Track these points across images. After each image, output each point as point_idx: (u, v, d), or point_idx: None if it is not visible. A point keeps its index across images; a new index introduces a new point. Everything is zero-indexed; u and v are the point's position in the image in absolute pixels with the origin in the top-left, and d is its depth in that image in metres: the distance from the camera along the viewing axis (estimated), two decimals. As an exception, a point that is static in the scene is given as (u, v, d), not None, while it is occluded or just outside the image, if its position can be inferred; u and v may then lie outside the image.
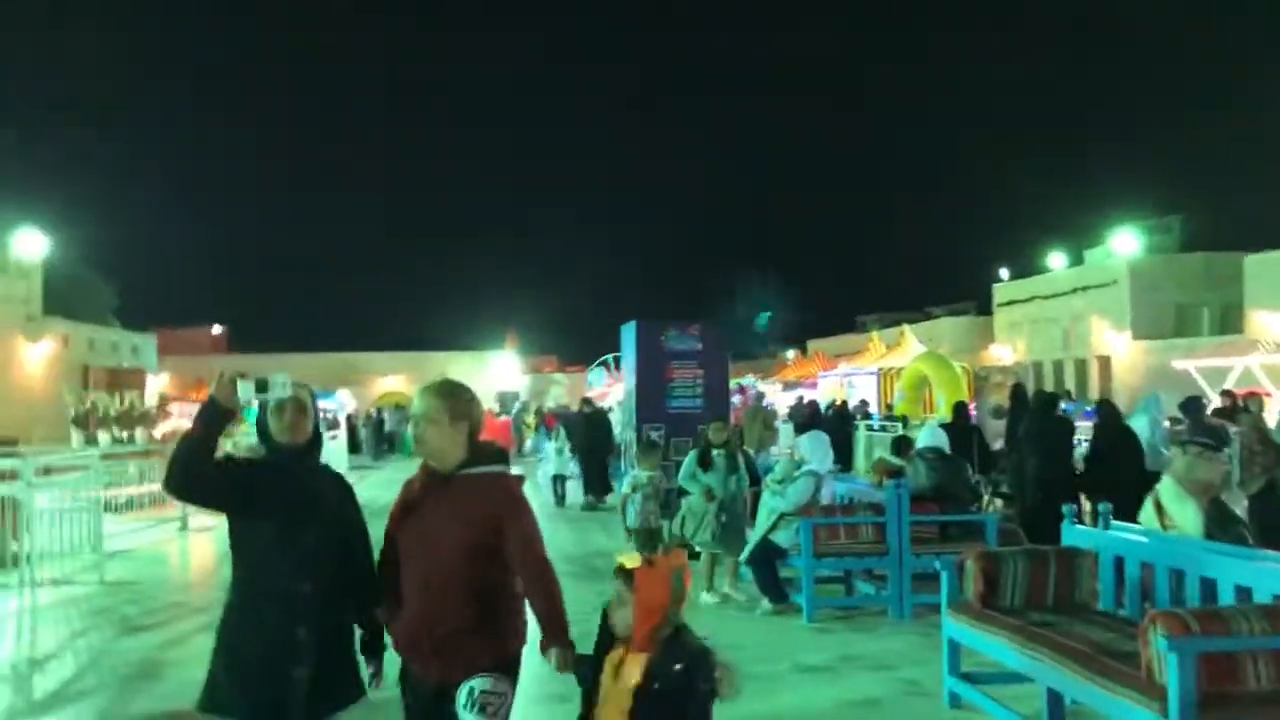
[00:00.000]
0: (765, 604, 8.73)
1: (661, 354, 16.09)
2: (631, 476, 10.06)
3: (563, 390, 52.41)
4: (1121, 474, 9.52)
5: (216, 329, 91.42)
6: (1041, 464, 9.96)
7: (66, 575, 10.53)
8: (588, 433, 18.63)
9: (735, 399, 22.98)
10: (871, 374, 37.19)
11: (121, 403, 21.80)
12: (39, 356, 35.31)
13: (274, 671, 3.63)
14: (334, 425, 33.76)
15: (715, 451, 9.51)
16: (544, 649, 3.48)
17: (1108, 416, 10.99)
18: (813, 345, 57.74)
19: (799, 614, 8.50)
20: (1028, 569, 5.81)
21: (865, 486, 9.56)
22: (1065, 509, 6.40)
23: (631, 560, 3.35)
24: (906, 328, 38.91)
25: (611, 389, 32.74)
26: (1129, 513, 6.03)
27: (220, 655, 3.74)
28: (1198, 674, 4.10)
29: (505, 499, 3.68)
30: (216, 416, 3.64)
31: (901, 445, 10.29)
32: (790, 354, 57.03)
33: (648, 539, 10.11)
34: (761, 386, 36.61)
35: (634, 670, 3.26)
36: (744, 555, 8.90)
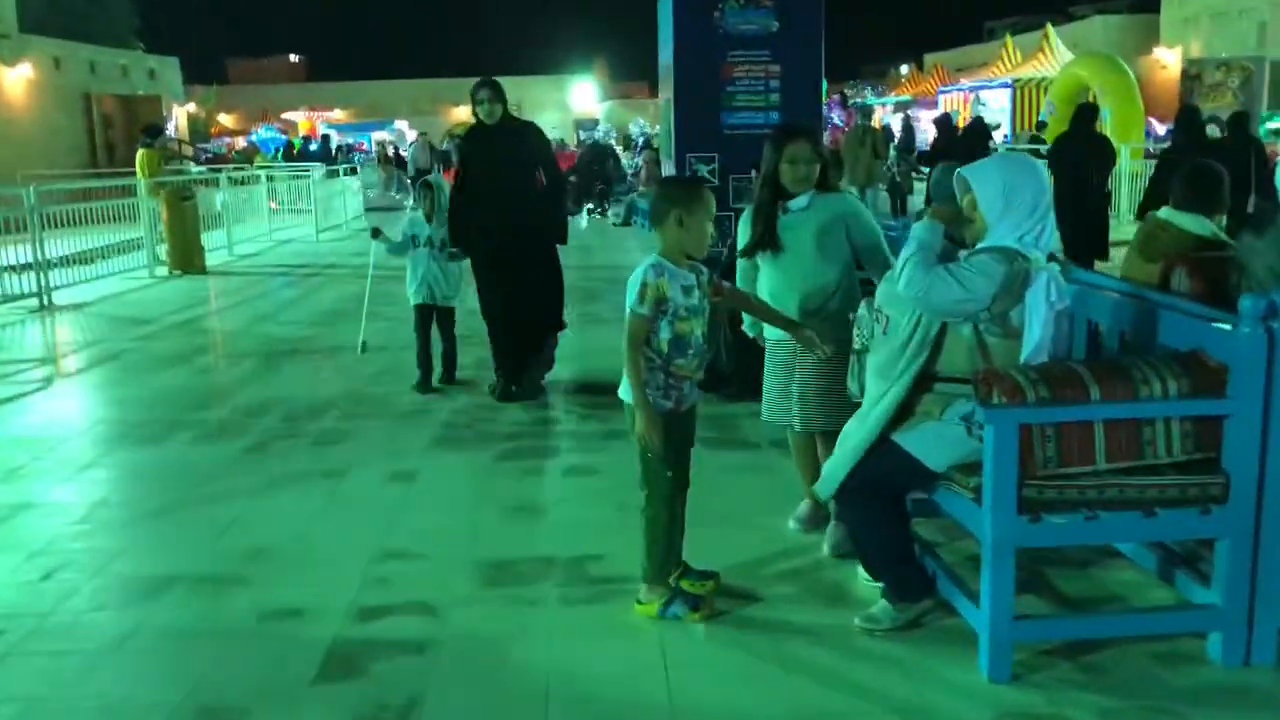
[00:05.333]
0: (878, 605, 3.46)
1: (714, 40, 10.12)
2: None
3: (646, 123, 46.65)
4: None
5: (294, 58, 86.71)
6: None
7: None
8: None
9: (835, 115, 16.81)
10: (1005, 87, 30.41)
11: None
12: (18, 81, 30.26)
13: None
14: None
15: (793, 209, 4.24)
16: None
17: None
18: (929, 59, 49.82)
19: (965, 643, 3.23)
20: None
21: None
22: None
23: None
24: (1051, 28, 31.46)
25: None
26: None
27: None
28: None
29: None
30: None
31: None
32: (904, 69, 49.39)
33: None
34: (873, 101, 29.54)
35: None
36: (824, 484, 3.52)
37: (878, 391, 3.36)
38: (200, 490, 5.12)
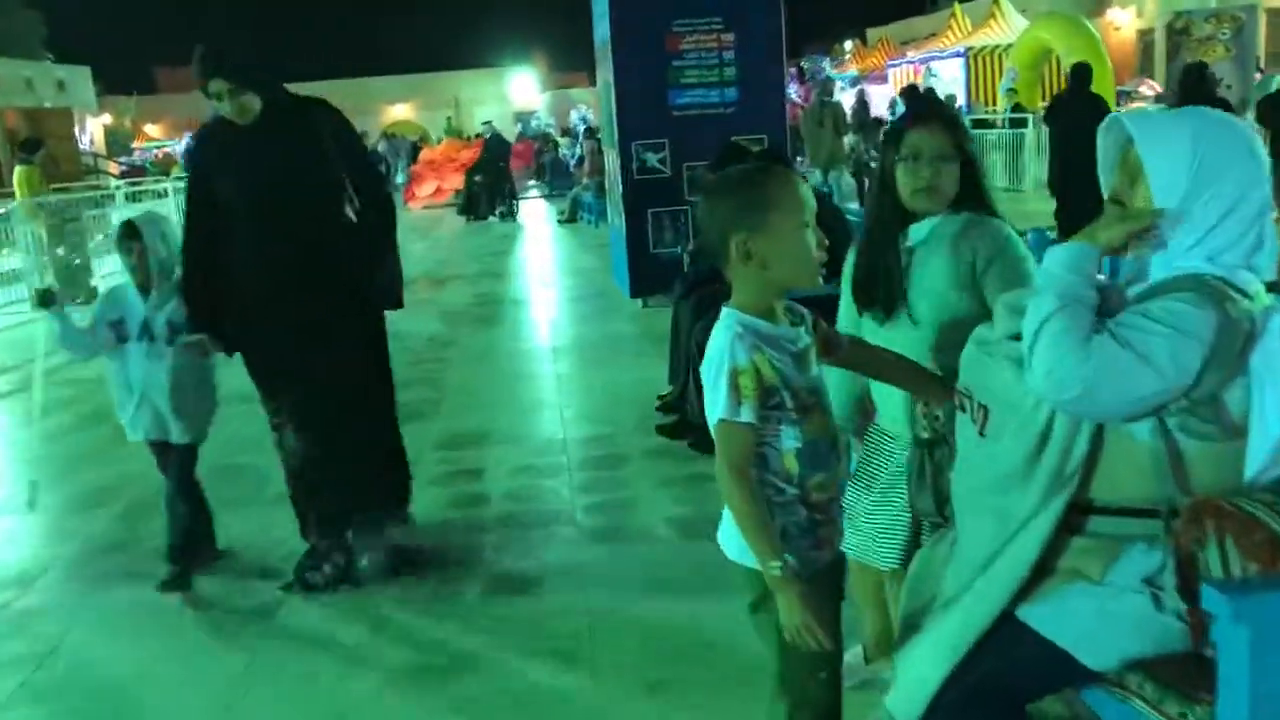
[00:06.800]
0: None
1: (656, 7, 8.74)
2: None
3: (588, 109, 45.34)
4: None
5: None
6: None
7: None
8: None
9: (792, 91, 15.30)
10: (958, 56, 29.27)
11: None
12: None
13: None
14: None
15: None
16: None
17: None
18: (873, 33, 48.70)
19: None
20: None
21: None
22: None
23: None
24: (1001, -7, 30.30)
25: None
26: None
27: None
28: None
29: None
30: None
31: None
32: (848, 45, 48.27)
33: None
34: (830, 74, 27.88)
35: None
36: (905, 701, 2.08)
37: (987, 539, 1.94)
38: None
